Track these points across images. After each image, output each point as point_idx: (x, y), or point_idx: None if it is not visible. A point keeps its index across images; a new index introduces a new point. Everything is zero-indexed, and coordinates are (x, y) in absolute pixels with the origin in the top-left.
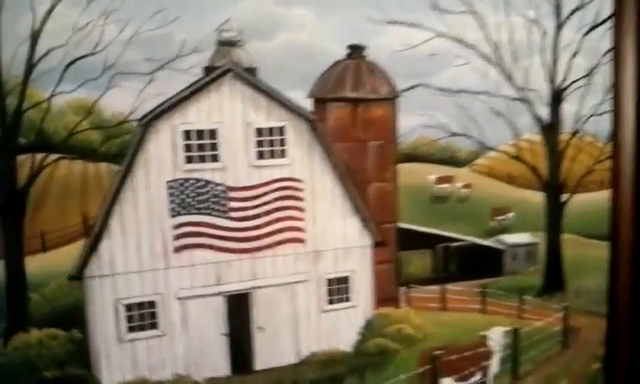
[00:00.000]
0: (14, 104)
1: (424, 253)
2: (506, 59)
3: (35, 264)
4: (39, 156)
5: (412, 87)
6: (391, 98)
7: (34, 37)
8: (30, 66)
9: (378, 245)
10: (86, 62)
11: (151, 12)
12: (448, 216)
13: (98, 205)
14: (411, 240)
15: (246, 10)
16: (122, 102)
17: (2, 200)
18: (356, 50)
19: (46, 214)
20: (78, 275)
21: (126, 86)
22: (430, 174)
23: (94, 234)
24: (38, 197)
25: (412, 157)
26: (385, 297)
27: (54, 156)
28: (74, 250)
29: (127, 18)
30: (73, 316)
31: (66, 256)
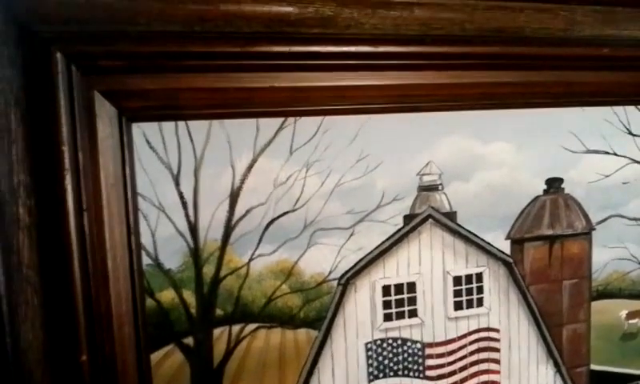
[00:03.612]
0: (212, 272)
1: None
2: None
3: None
4: (236, 328)
5: (605, 219)
6: (586, 233)
7: (234, 196)
8: (229, 229)
9: None
10: (285, 221)
11: (353, 160)
12: (638, 352)
13: (296, 375)
14: (602, 382)
15: (446, 149)
16: (321, 260)
17: (197, 381)
18: (553, 184)
19: None
20: None
21: (325, 243)
22: (620, 310)
23: None
24: (234, 373)
25: (602, 294)
26: None
27: (251, 326)
28: None
29: (329, 168)
30: None
31: None
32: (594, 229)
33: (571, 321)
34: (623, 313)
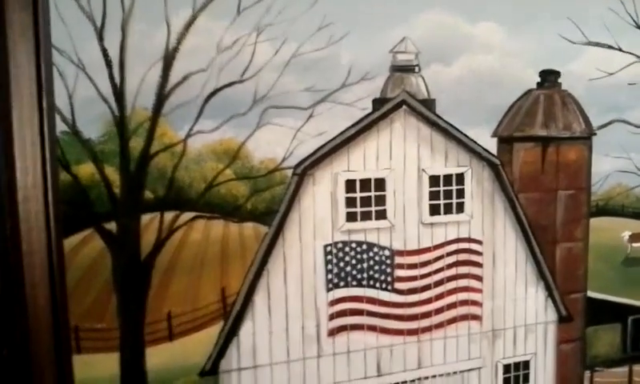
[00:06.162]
0: (140, 146)
1: (614, 327)
2: None
3: (158, 356)
4: (169, 215)
5: (608, 123)
6: (586, 137)
7: (168, 58)
8: (162, 96)
9: (562, 320)
10: (231, 93)
11: (314, 28)
12: None
13: (241, 277)
14: (600, 312)
15: (424, 25)
16: (273, 144)
17: (120, 274)
18: (549, 77)
19: (174, 290)
20: (212, 369)
21: (279, 124)
22: (623, 230)
23: (234, 314)
24: (165, 268)
25: (603, 210)
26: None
27: (187, 215)
28: (209, 336)
29: (284, 34)
30: None
31: (198, 345)
32: (595, 134)
33: (566, 238)
34: (626, 234)
